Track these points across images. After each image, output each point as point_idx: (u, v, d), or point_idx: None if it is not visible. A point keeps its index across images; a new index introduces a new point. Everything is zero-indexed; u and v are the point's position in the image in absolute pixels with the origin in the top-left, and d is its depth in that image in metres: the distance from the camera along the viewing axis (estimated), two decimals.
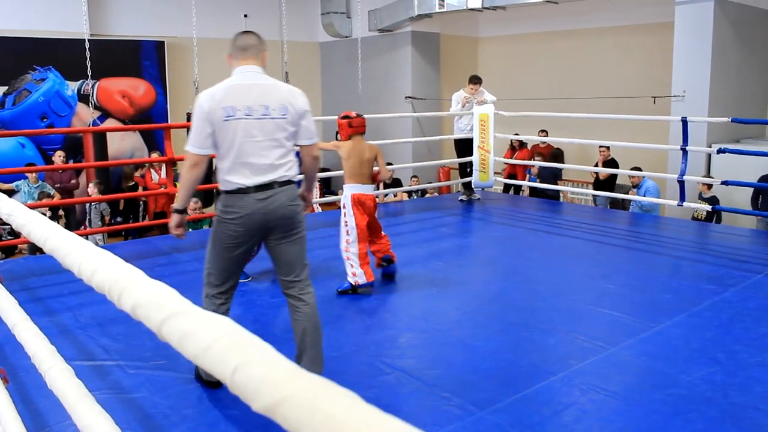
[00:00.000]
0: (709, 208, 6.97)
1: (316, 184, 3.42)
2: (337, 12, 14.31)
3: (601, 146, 9.34)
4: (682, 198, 7.06)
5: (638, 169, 8.51)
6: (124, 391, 3.17)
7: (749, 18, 9.43)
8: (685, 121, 6.85)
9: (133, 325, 3.85)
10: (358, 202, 4.69)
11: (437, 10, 12.09)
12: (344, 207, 4.73)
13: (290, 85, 3.12)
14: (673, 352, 3.63)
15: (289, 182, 3.04)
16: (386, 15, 13.27)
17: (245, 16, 13.86)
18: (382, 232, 4.92)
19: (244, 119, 2.92)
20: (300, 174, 3.22)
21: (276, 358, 0.89)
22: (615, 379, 3.30)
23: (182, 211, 3.13)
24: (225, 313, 3.06)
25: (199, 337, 1.00)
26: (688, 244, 6.38)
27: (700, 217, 7.93)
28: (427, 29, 13.48)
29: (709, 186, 7.84)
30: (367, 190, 4.75)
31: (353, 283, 4.64)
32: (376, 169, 4.92)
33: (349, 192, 4.72)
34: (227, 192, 2.99)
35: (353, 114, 4.84)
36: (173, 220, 3.14)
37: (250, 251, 3.15)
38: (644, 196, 8.24)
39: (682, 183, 7.00)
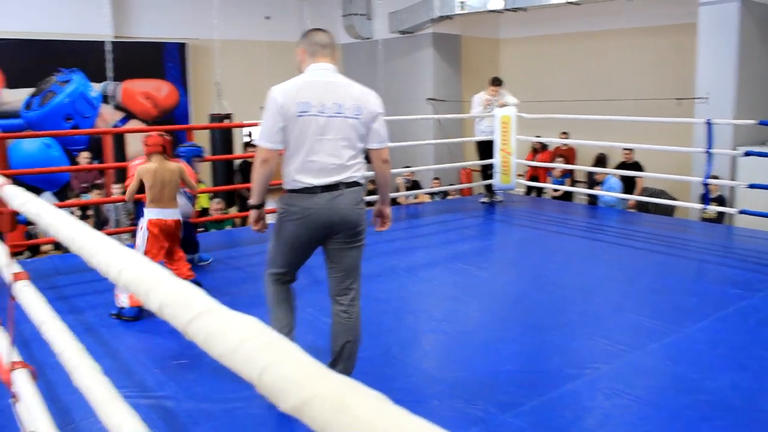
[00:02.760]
0: (735, 211, 6.87)
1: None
2: (358, 14, 14.33)
3: (624, 148, 9.25)
4: (707, 201, 6.98)
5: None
6: (148, 389, 3.20)
7: None
8: (709, 124, 6.77)
9: (157, 324, 3.89)
10: (156, 227, 4.37)
11: (458, 12, 12.07)
12: (140, 230, 4.43)
13: (364, 87, 3.04)
14: (699, 356, 3.58)
15: (355, 184, 2.96)
16: (407, 17, 13.27)
17: (267, 18, 13.93)
18: (179, 256, 4.55)
19: (318, 116, 2.85)
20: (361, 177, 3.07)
21: (303, 359, 0.89)
22: (639, 384, 3.26)
23: (258, 207, 3.07)
24: (284, 285, 3.07)
25: (226, 337, 1.00)
26: (712, 247, 6.30)
27: (709, 218, 7.82)
28: (448, 31, 13.45)
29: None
30: (168, 214, 4.42)
31: (119, 306, 4.22)
32: None
33: (147, 217, 4.40)
34: (291, 191, 2.92)
35: (154, 133, 4.55)
36: (251, 215, 3.09)
37: (310, 251, 3.06)
38: (609, 191, 8.56)
39: (706, 186, 6.92)
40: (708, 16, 9.02)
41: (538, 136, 10.35)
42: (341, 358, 3.05)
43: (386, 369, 3.48)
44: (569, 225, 7.31)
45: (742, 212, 6.77)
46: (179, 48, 12.72)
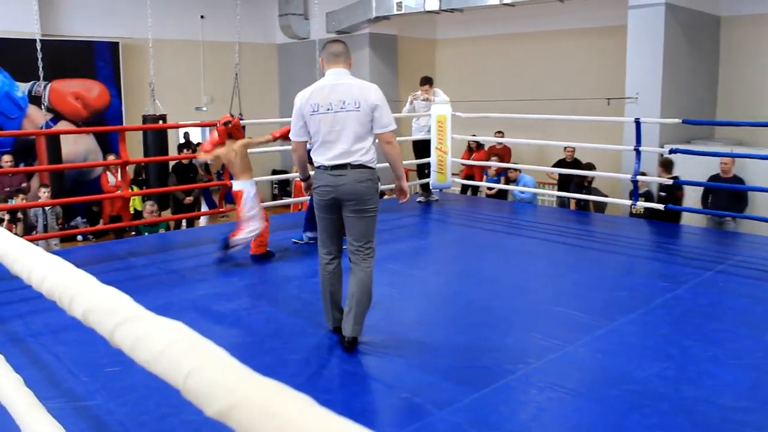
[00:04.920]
0: (661, 207, 7.11)
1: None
2: (294, 13, 14.26)
3: (566, 147, 9.50)
4: (636, 197, 7.19)
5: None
6: (78, 399, 3.10)
7: (699, 23, 9.68)
8: (638, 122, 6.99)
9: (87, 332, 3.75)
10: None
11: (395, 12, 12.13)
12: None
13: (367, 82, 3.73)
14: (628, 348, 3.70)
15: (361, 166, 3.63)
16: (344, 17, 13.26)
17: (202, 17, 13.71)
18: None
19: (327, 113, 3.61)
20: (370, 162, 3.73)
21: (230, 362, 0.88)
22: (572, 377, 3.34)
23: (305, 179, 4.06)
24: (332, 270, 3.84)
25: (152, 342, 0.98)
26: (641, 242, 6.51)
27: (638, 213, 8.04)
28: (384, 31, 13.50)
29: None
30: (234, 185, 5.60)
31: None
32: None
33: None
34: (316, 168, 3.72)
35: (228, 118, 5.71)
36: (303, 187, 4.13)
37: (337, 223, 3.77)
38: (524, 187, 9.21)
39: (635, 183, 7.14)
40: (636, 18, 9.31)
41: (473, 135, 10.49)
42: (351, 305, 3.68)
43: (321, 369, 3.47)
44: (504, 223, 7.44)
45: (667, 207, 7.01)
46: (111, 47, 12.39)
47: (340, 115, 3.60)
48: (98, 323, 1.11)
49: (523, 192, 9.22)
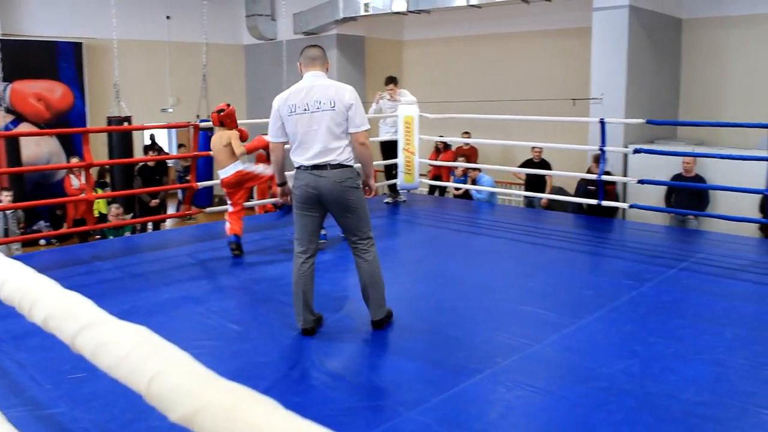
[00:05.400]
0: (626, 206, 7.21)
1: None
2: (261, 14, 14.18)
3: (533, 147, 9.58)
4: (601, 197, 7.28)
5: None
6: (41, 407, 3.05)
7: (662, 25, 9.84)
8: (603, 123, 7.09)
9: (50, 338, 3.68)
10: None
11: (362, 14, 12.13)
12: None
13: (343, 84, 3.85)
14: (595, 346, 3.75)
15: (340, 165, 3.75)
16: (311, 18, 13.23)
17: (168, 17, 13.56)
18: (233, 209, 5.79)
19: (303, 113, 3.74)
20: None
21: (194, 367, 0.87)
22: (539, 375, 3.37)
23: (282, 184, 4.16)
24: (307, 270, 3.87)
25: (115, 347, 0.97)
26: (606, 241, 6.60)
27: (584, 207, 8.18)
28: (352, 32, 13.50)
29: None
30: (221, 174, 5.71)
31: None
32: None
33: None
34: (296, 168, 3.84)
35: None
36: (278, 192, 4.23)
37: (316, 221, 3.90)
38: (481, 186, 9.45)
39: (600, 182, 7.23)
40: (600, 20, 9.44)
41: (441, 136, 10.54)
42: (366, 297, 3.92)
43: (290, 372, 3.46)
44: (471, 223, 7.48)
45: (632, 206, 7.12)
46: (74, 47, 12.19)
47: (316, 115, 3.72)
48: (59, 329, 1.09)
49: (479, 192, 9.34)
